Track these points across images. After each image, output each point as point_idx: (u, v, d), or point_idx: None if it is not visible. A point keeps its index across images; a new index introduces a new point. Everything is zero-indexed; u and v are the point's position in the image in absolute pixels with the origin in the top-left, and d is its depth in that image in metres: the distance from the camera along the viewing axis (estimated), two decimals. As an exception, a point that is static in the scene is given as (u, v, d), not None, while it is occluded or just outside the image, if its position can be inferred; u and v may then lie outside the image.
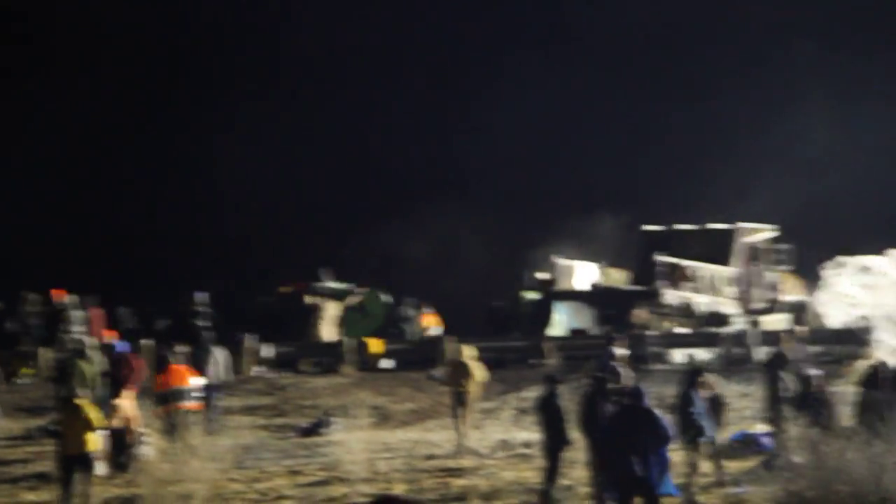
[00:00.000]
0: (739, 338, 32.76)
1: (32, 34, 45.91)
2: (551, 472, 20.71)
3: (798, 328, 28.22)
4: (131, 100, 45.15)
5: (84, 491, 21.32)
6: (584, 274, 35.14)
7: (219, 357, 27.02)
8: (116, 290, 34.51)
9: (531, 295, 35.28)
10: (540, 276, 35.50)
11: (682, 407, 20.59)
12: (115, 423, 23.98)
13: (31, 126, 45.25)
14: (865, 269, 36.00)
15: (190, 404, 24.47)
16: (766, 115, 44.14)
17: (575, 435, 20.91)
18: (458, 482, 22.32)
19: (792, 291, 36.14)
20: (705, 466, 21.22)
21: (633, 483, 17.78)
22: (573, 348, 33.30)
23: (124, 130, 45.27)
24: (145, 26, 45.77)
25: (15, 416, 28.22)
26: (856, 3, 44.43)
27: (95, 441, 21.63)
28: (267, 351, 33.00)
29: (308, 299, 34.55)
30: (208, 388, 26.41)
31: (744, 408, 27.83)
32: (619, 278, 35.68)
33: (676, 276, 34.32)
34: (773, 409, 23.37)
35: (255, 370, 32.59)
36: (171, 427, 23.83)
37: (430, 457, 24.39)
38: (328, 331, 34.53)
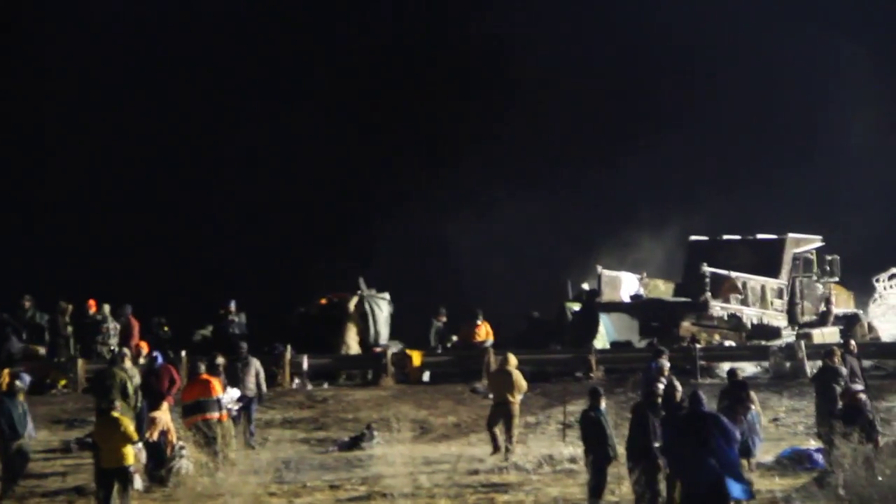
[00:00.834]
0: (789, 351, 32.22)
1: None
2: (596, 487, 20.48)
3: (851, 341, 27.63)
4: (170, 106, 45.06)
5: (123, 504, 21.12)
6: (629, 285, 34.69)
7: (255, 368, 26.75)
8: (152, 300, 34.30)
9: (575, 306, 34.84)
10: (585, 286, 35.08)
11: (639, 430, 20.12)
12: (154, 435, 23.70)
13: (71, 134, 45.29)
14: (919, 281, 35.56)
15: (217, 415, 24.13)
16: (815, 124, 43.60)
17: (620, 450, 20.64)
18: (503, 498, 22.07)
19: (843, 304, 35.60)
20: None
21: (710, 486, 17.83)
22: (618, 361, 32.92)
23: (162, 137, 45.15)
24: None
25: (52, 428, 27.99)
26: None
27: (133, 454, 21.42)
28: (307, 363, 32.69)
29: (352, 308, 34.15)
30: (245, 400, 26.17)
31: (795, 423, 27.45)
32: (664, 290, 35.23)
33: (724, 288, 33.81)
34: (825, 425, 22.89)
35: (296, 383, 32.28)
36: (207, 439, 23.54)
37: (474, 472, 24.08)
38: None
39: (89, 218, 43.42)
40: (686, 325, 33.94)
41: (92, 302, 33.06)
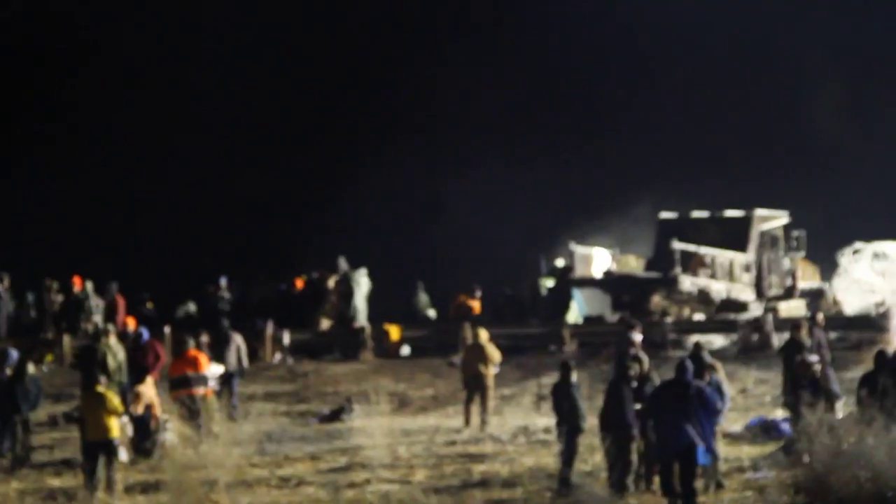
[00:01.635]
0: (756, 324, 32.82)
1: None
2: (568, 456, 20.92)
3: (818, 314, 28.25)
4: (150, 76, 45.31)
5: (108, 477, 21.55)
6: (601, 261, 35.22)
7: (235, 344, 27.20)
8: (136, 277, 34.67)
9: (549, 282, 35.38)
10: (558, 262, 35.60)
11: (613, 400, 20.66)
12: (138, 409, 24.17)
13: (62, 114, 45.55)
14: (882, 256, 36.05)
15: (203, 390, 24.62)
16: (781, 99, 44.10)
17: (592, 420, 21.15)
18: (479, 468, 22.46)
19: (809, 278, 36.20)
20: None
21: (685, 452, 18.47)
22: (590, 335, 33.48)
23: (144, 110, 45.35)
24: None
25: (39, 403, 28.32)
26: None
27: (118, 427, 21.86)
28: (287, 338, 33.18)
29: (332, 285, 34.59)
30: (228, 375, 26.64)
31: (762, 394, 27.99)
32: (635, 265, 35.75)
33: (693, 263, 34.36)
34: (791, 395, 23.44)
35: (277, 357, 32.77)
36: (191, 413, 24.00)
37: (451, 443, 24.52)
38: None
39: (76, 195, 43.65)
40: (656, 300, 34.39)
41: (77, 279, 33.45)
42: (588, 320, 35.17)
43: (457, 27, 46.49)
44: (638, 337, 25.24)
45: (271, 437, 24.94)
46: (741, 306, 34.61)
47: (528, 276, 36.26)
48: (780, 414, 24.79)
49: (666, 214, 36.28)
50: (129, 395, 24.99)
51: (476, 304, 35.22)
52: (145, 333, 26.79)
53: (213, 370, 25.40)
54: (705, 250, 34.58)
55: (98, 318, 32.84)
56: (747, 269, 35.18)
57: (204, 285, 34.37)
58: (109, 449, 21.65)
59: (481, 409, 25.64)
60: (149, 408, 24.35)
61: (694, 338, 30.53)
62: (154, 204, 44.15)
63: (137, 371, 25.49)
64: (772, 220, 35.78)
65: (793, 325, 26.24)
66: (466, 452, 23.71)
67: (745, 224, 35.47)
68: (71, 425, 25.38)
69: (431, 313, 36.12)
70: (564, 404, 21.20)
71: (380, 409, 24.55)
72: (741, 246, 35.22)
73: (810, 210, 36.60)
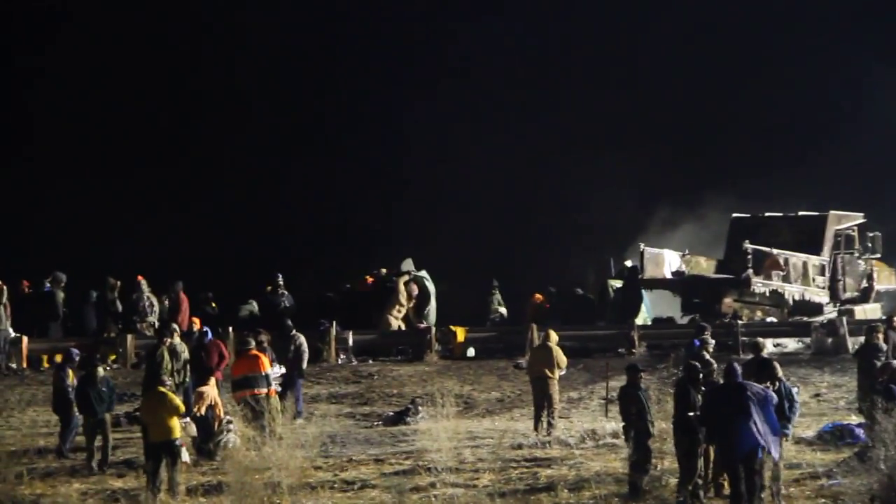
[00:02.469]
0: (831, 327, 32.27)
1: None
2: (637, 462, 20.60)
3: (894, 318, 27.65)
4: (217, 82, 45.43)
5: (171, 478, 21.44)
6: (671, 262, 34.80)
7: (294, 344, 27.00)
8: (200, 276, 34.61)
9: (618, 283, 34.97)
10: (627, 263, 35.20)
11: (681, 405, 20.32)
12: (201, 410, 24.01)
13: (119, 113, 45.75)
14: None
15: (265, 390, 24.42)
16: (858, 100, 43.50)
17: (662, 425, 20.80)
18: (546, 472, 22.18)
19: (885, 280, 35.59)
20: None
21: (748, 455, 18.38)
22: (660, 337, 33.07)
23: (213, 113, 45.50)
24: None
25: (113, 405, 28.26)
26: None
27: (179, 428, 21.73)
28: (352, 339, 32.96)
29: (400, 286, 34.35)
30: (291, 376, 26.43)
31: (836, 399, 27.50)
32: (706, 266, 35.31)
33: (766, 265, 33.87)
34: (867, 400, 22.94)
35: (341, 358, 32.57)
36: (254, 414, 23.82)
37: (517, 446, 24.22)
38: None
39: (141, 197, 43.87)
40: (728, 302, 34.03)
41: (140, 278, 33.40)
42: (657, 322, 34.73)
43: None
44: (709, 340, 24.78)
45: (335, 440, 24.82)
46: (815, 309, 34.15)
47: (597, 276, 35.91)
48: (854, 419, 24.28)
49: (738, 214, 35.84)
50: (192, 395, 24.87)
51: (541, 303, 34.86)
52: (209, 333, 26.63)
53: (275, 370, 25.19)
54: (778, 251, 34.08)
55: (153, 318, 32.70)
56: (821, 270, 34.69)
57: (264, 285, 34.17)
58: (172, 450, 21.55)
59: (548, 412, 25.25)
60: (211, 408, 24.26)
61: (769, 341, 30.03)
62: (218, 203, 44.19)
63: (201, 371, 25.35)
64: (847, 220, 35.27)
65: (868, 328, 25.75)
66: (533, 456, 23.44)
67: (819, 224, 35.01)
68: (134, 426, 25.23)
69: (503, 311, 35.70)
70: (632, 408, 20.89)
71: (445, 411, 24.17)
72: (815, 247, 34.77)
73: (887, 211, 36.05)
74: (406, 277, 34.29)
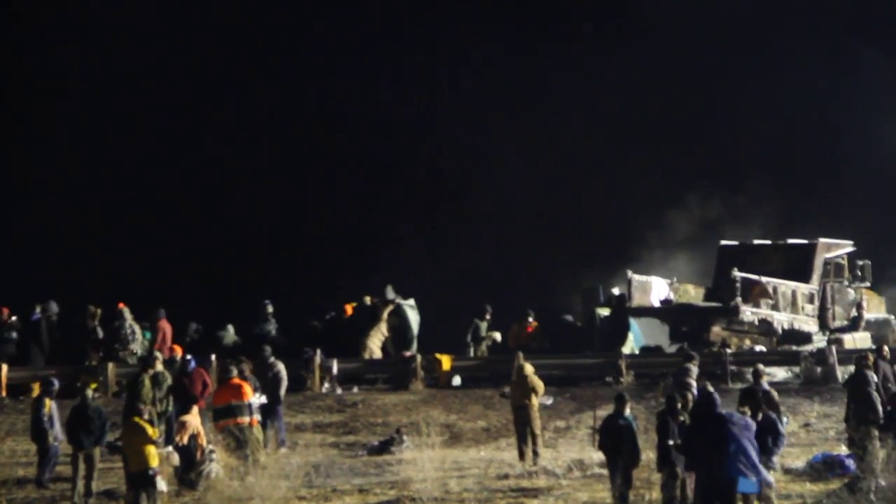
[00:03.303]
0: (820, 356, 32.07)
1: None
2: (621, 492, 20.42)
3: (884, 347, 27.45)
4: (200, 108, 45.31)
5: (151, 508, 21.16)
6: (659, 289, 34.60)
7: (272, 372, 26.74)
8: (182, 304, 34.34)
9: (605, 311, 34.75)
10: (615, 291, 34.98)
11: (660, 436, 20.17)
12: (184, 439, 23.72)
13: (110, 140, 45.66)
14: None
15: (248, 419, 24.15)
16: (846, 129, 43.44)
17: (649, 455, 20.64)
18: (532, 502, 21.93)
19: (874, 308, 35.41)
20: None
21: (725, 489, 18.13)
22: (648, 366, 32.84)
23: (191, 141, 45.39)
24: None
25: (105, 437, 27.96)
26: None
27: (155, 456, 21.48)
28: (336, 367, 32.69)
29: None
30: (270, 404, 26.15)
31: (826, 428, 27.31)
32: (694, 294, 35.12)
33: (755, 293, 33.67)
34: (857, 430, 22.76)
35: (325, 387, 32.28)
36: (237, 443, 23.57)
37: (504, 476, 24.04)
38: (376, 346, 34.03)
39: (121, 223, 43.68)
40: (716, 330, 33.82)
41: (121, 305, 33.09)
42: (645, 350, 34.51)
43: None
44: (694, 369, 24.61)
45: (319, 469, 24.55)
46: (804, 337, 33.95)
47: (584, 304, 35.72)
48: (844, 450, 24.04)
49: (727, 242, 35.69)
50: (174, 424, 24.59)
51: (531, 331, 34.56)
52: (192, 361, 26.35)
53: (257, 399, 24.92)
54: (767, 279, 33.90)
55: (135, 346, 32.41)
56: (811, 299, 34.49)
57: (247, 312, 33.90)
58: (147, 479, 21.29)
59: (532, 441, 25.01)
60: (194, 437, 23.94)
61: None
62: (200, 230, 44.00)
63: (184, 400, 25.06)
64: (836, 248, 35.11)
65: (857, 357, 25.52)
66: (519, 487, 23.24)
67: (808, 253, 34.84)
68: (114, 455, 24.90)
69: (497, 336, 35.29)
70: (620, 438, 20.69)
71: (430, 440, 23.99)
72: (804, 275, 34.60)
73: (876, 239, 35.93)
74: (391, 307, 34.01)
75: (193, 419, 24.27)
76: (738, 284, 33.34)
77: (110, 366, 31.93)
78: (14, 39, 46.24)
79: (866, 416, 22.61)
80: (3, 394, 31.87)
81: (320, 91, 46.11)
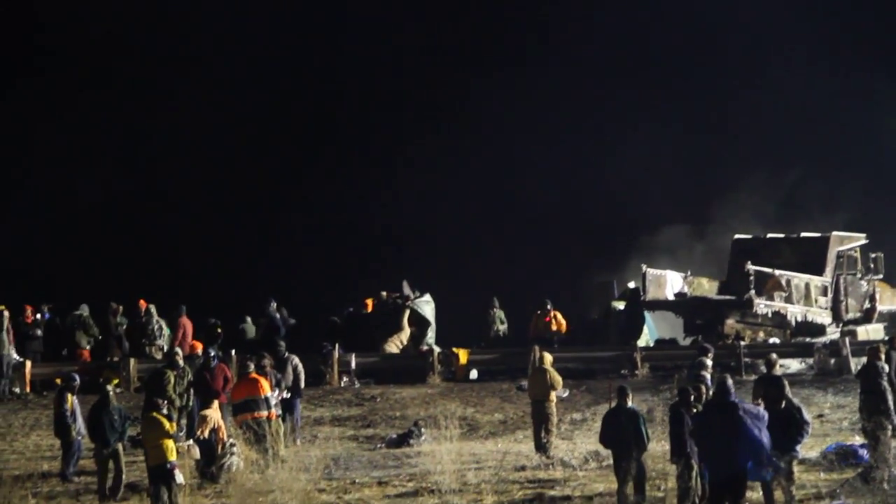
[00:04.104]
0: (833, 348, 32.25)
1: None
2: (626, 480, 20.59)
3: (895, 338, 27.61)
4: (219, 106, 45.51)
5: (172, 501, 21.41)
6: (674, 283, 34.80)
7: (290, 365, 26.98)
8: (202, 300, 34.61)
9: (621, 305, 34.96)
10: (630, 285, 35.19)
11: (674, 427, 20.33)
12: (205, 433, 23.99)
13: (121, 130, 45.88)
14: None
15: (266, 413, 24.41)
16: (858, 122, 43.52)
17: (660, 446, 20.81)
18: (549, 493, 22.12)
19: (888, 301, 35.54)
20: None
21: (733, 478, 18.25)
22: (663, 358, 33.05)
23: (209, 140, 45.60)
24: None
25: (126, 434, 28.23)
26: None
27: (173, 450, 21.73)
28: (354, 362, 32.96)
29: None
30: (291, 398, 26.41)
31: (839, 419, 27.44)
32: (709, 288, 35.31)
33: (769, 286, 33.85)
34: (870, 421, 22.93)
35: (344, 381, 32.55)
36: (257, 437, 23.81)
37: (520, 468, 24.19)
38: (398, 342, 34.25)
39: (142, 221, 43.93)
40: (730, 323, 34.00)
41: (142, 302, 33.43)
42: (660, 343, 34.72)
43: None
44: (708, 362, 24.77)
45: (338, 462, 24.75)
46: (817, 329, 34.09)
47: (598, 299, 35.91)
48: (858, 440, 24.22)
49: (741, 236, 35.86)
50: (196, 418, 24.86)
51: (551, 322, 34.70)
52: (215, 356, 26.60)
53: (277, 394, 25.19)
54: (781, 272, 34.06)
55: (162, 342, 32.77)
56: (824, 291, 34.65)
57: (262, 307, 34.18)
58: (165, 473, 21.52)
59: (545, 433, 25.22)
60: (215, 432, 24.17)
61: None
62: (219, 228, 44.25)
63: (205, 394, 25.32)
64: (849, 241, 35.24)
65: (870, 349, 25.65)
66: (536, 478, 23.40)
67: (821, 245, 34.97)
68: (137, 449, 25.20)
69: (503, 328, 35.48)
70: (617, 430, 20.82)
71: (448, 433, 24.17)
72: (818, 268, 34.73)
73: (889, 231, 36.01)
74: (408, 312, 34.19)
75: (214, 413, 24.50)
76: (751, 277, 33.51)
77: (132, 361, 32.29)
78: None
79: (878, 407, 22.77)
80: (28, 389, 32.24)
81: (341, 78, 46.32)
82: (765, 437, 18.65)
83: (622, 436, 20.79)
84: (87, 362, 32.37)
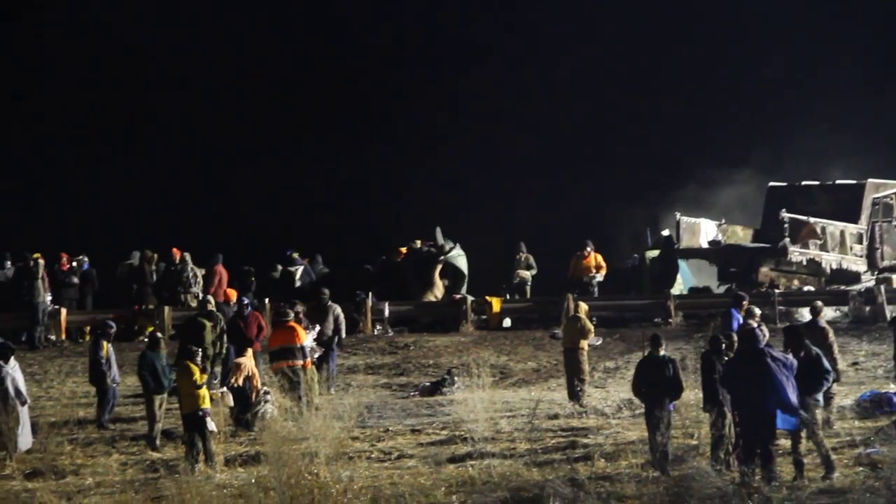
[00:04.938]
0: (868, 296, 32.11)
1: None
2: (656, 429, 20.56)
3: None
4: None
5: (206, 448, 21.52)
6: (708, 231, 34.69)
7: (333, 314, 27.00)
8: (237, 248, 34.72)
9: (654, 253, 34.85)
10: (664, 233, 35.09)
11: (705, 375, 20.28)
12: (239, 381, 24.09)
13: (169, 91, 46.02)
14: None
15: (302, 361, 24.47)
16: (889, 66, 43.22)
17: (694, 394, 20.77)
18: (582, 441, 22.15)
19: (924, 248, 35.38)
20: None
21: (762, 424, 18.29)
22: (696, 307, 33.00)
23: (243, 92, 45.68)
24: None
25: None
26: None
27: (206, 398, 21.82)
28: (388, 310, 33.01)
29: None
30: (326, 346, 26.46)
31: (874, 367, 27.38)
32: (743, 236, 35.18)
33: (803, 233, 33.73)
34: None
35: (377, 329, 32.62)
36: (291, 384, 23.87)
37: (553, 416, 24.20)
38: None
39: (176, 174, 44.08)
40: (765, 271, 33.91)
41: (176, 251, 33.51)
42: (694, 291, 34.64)
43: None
44: (756, 309, 24.51)
45: (372, 410, 24.82)
46: (852, 277, 33.96)
47: (633, 246, 35.82)
48: (892, 388, 24.16)
49: (775, 183, 35.68)
50: (230, 366, 24.95)
51: (590, 262, 34.40)
52: (249, 305, 26.63)
53: (311, 341, 25.21)
54: (815, 220, 33.91)
55: (197, 289, 32.86)
56: (859, 239, 34.50)
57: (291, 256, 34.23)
58: (198, 421, 21.64)
59: (578, 381, 25.23)
60: (249, 379, 24.27)
61: (806, 310, 29.79)
62: (252, 177, 44.35)
63: (240, 342, 25.40)
64: (885, 188, 35.03)
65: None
66: (569, 426, 23.41)
67: (856, 193, 34.81)
68: (171, 397, 25.32)
69: (528, 275, 34.98)
70: (651, 378, 20.75)
71: (481, 381, 24.21)
72: (853, 215, 34.59)
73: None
74: (440, 266, 34.12)
75: (248, 361, 24.59)
76: (786, 225, 33.39)
77: (166, 309, 32.43)
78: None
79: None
80: (63, 336, 32.46)
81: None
82: (790, 386, 18.60)
83: (655, 384, 20.74)
84: (122, 310, 32.52)
